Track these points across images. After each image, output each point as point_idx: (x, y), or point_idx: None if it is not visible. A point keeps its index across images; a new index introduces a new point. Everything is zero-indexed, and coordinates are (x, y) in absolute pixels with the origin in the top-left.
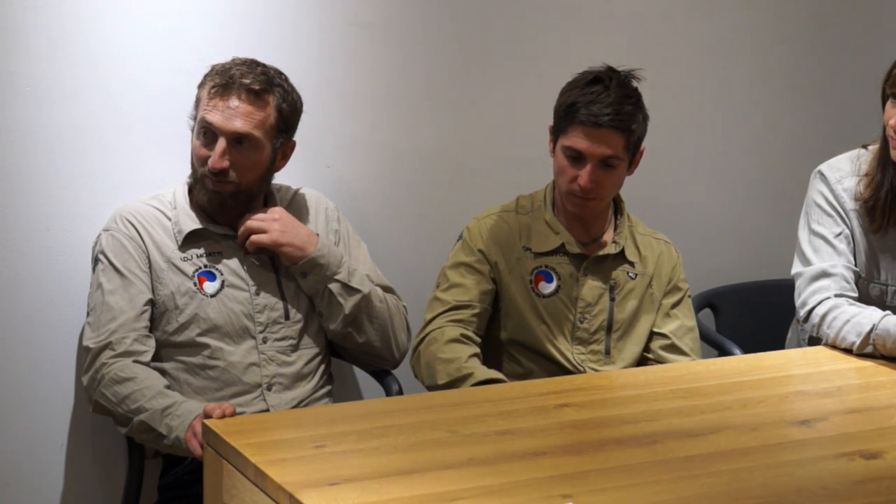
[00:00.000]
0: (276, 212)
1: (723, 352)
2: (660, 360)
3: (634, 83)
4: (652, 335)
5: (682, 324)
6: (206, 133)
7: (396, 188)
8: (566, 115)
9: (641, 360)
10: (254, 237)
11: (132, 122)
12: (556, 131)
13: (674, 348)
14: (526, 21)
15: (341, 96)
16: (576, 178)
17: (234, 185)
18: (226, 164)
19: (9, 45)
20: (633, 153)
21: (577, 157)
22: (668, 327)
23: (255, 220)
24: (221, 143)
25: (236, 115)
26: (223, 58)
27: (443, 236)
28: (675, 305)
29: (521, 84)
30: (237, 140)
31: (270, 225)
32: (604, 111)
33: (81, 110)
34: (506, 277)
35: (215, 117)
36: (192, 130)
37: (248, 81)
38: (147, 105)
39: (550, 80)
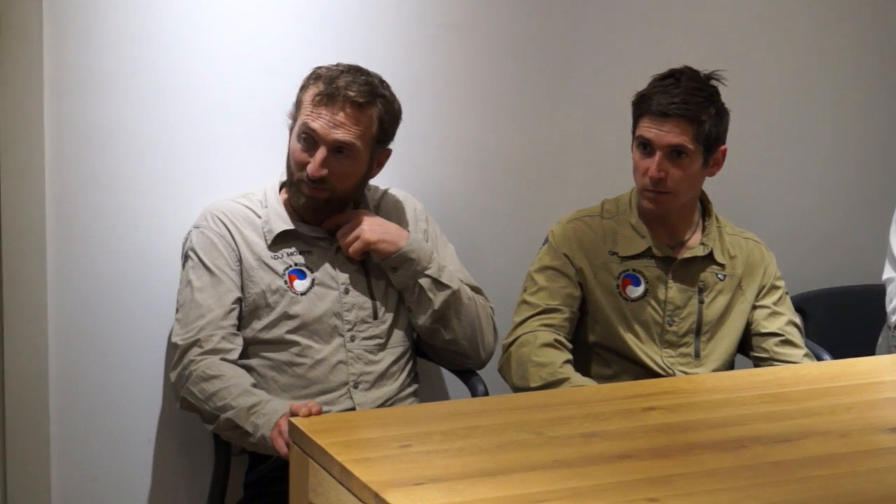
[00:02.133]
0: (356, 215)
1: (812, 357)
2: (776, 359)
3: (715, 83)
4: (760, 336)
5: (789, 319)
6: (307, 139)
7: (483, 189)
8: (637, 106)
9: (733, 363)
10: (351, 249)
11: (224, 120)
12: (633, 128)
13: (788, 343)
14: (613, 22)
15: (429, 97)
16: (647, 170)
17: (330, 192)
18: (324, 172)
19: (100, 43)
20: (706, 148)
21: (646, 147)
22: (776, 325)
23: (344, 233)
24: (322, 152)
25: (339, 125)
26: (313, 58)
27: (529, 237)
28: (776, 303)
29: (608, 86)
30: (337, 149)
31: (360, 229)
32: (671, 100)
33: (173, 109)
34: (591, 282)
35: (318, 125)
36: (290, 131)
37: (353, 94)
38: (239, 104)
39: (638, 83)
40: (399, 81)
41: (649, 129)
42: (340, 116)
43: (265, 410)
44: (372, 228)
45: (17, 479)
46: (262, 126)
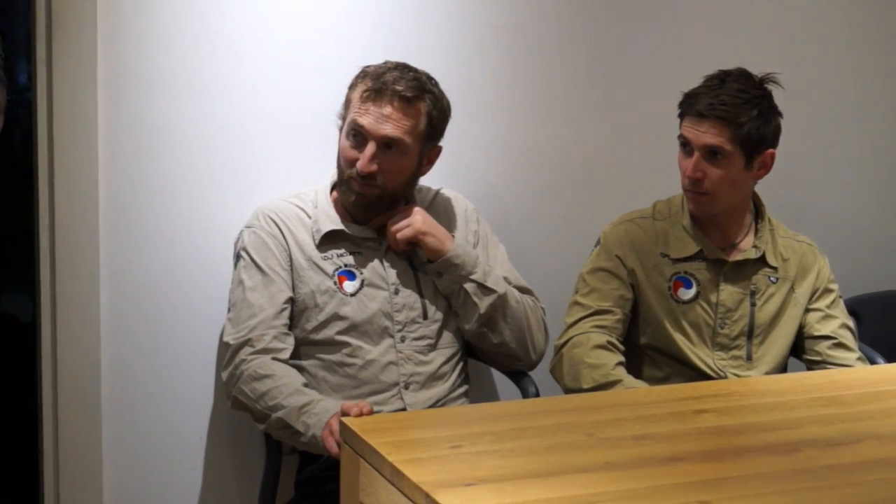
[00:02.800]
0: (416, 209)
1: (865, 360)
2: (829, 362)
3: (768, 86)
4: (813, 339)
5: (842, 322)
6: (356, 135)
7: (534, 190)
8: (681, 106)
9: (786, 366)
10: (399, 234)
11: (275, 121)
12: (679, 127)
13: (841, 346)
14: (665, 22)
15: (480, 97)
16: (686, 170)
17: (380, 188)
18: (374, 168)
19: (154, 44)
20: (747, 151)
21: (686, 147)
22: (829, 328)
23: (397, 220)
24: (371, 147)
25: (387, 120)
26: (365, 59)
27: (581, 238)
28: (829, 306)
29: (660, 86)
30: (386, 145)
31: (413, 218)
32: (710, 101)
33: (226, 110)
34: (643, 284)
35: (366, 121)
36: (340, 130)
37: (400, 88)
38: (291, 105)
39: (690, 83)
40: (450, 82)
41: (689, 129)
42: (388, 111)
43: (316, 410)
44: (425, 220)
45: (70, 477)
46: (314, 127)
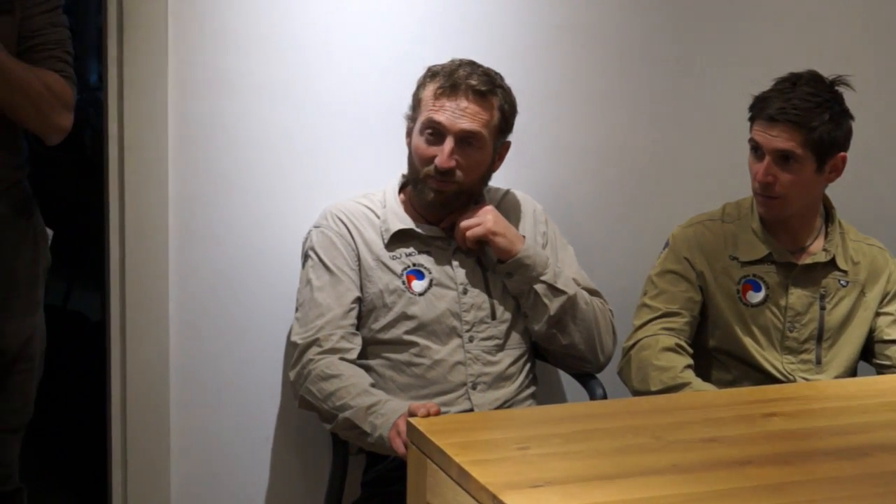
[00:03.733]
0: (488, 208)
1: None
2: None
3: (839, 89)
4: (883, 343)
5: None
6: (433, 133)
7: (602, 191)
8: (752, 109)
9: (855, 370)
10: (469, 232)
11: (344, 121)
12: (750, 130)
13: None
14: (734, 22)
15: (546, 98)
16: (757, 174)
17: (458, 184)
18: (453, 163)
19: (224, 43)
20: (819, 155)
21: (757, 151)
22: None
23: (468, 218)
24: (449, 143)
25: (464, 114)
26: (430, 59)
27: (648, 240)
28: None
29: (729, 88)
30: (464, 139)
31: (484, 217)
32: (781, 105)
33: (295, 109)
34: (711, 286)
35: (443, 117)
36: (410, 132)
37: (474, 83)
38: (359, 105)
39: (760, 85)
40: (515, 82)
41: (759, 133)
42: (465, 105)
43: (383, 410)
44: (496, 220)
45: (138, 474)
46: (382, 127)
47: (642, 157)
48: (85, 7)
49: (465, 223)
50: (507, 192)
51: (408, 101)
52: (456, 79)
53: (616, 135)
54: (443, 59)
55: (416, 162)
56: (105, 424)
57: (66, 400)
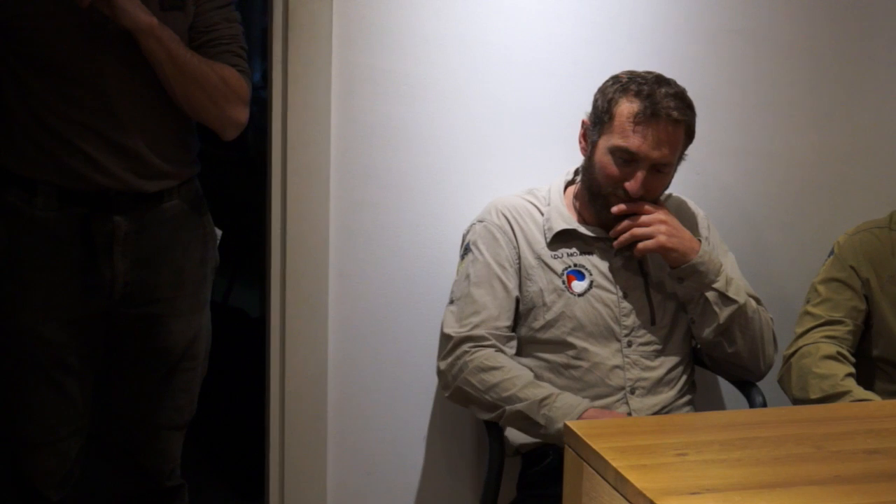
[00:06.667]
0: (664, 213)
1: None
2: None
3: None
4: None
5: None
6: (625, 158)
7: (767, 196)
8: None
9: None
10: (641, 245)
11: (504, 121)
12: None
13: None
14: None
15: (715, 102)
16: None
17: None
18: (643, 192)
19: (387, 42)
20: None
21: None
22: None
23: (642, 227)
24: (643, 172)
25: (663, 144)
26: (597, 61)
27: (813, 246)
28: None
29: None
30: (656, 167)
31: (658, 228)
32: None
33: (455, 109)
34: (877, 295)
35: (640, 146)
36: (586, 137)
37: (674, 112)
38: (520, 105)
39: None
40: (685, 85)
41: None
42: (663, 136)
43: (558, 404)
44: (670, 234)
45: (295, 470)
46: (542, 127)
47: (811, 163)
48: (250, 7)
49: (638, 232)
50: (670, 195)
51: (570, 102)
52: (656, 106)
53: (784, 141)
54: (610, 62)
55: (601, 178)
56: (263, 420)
57: (224, 395)
